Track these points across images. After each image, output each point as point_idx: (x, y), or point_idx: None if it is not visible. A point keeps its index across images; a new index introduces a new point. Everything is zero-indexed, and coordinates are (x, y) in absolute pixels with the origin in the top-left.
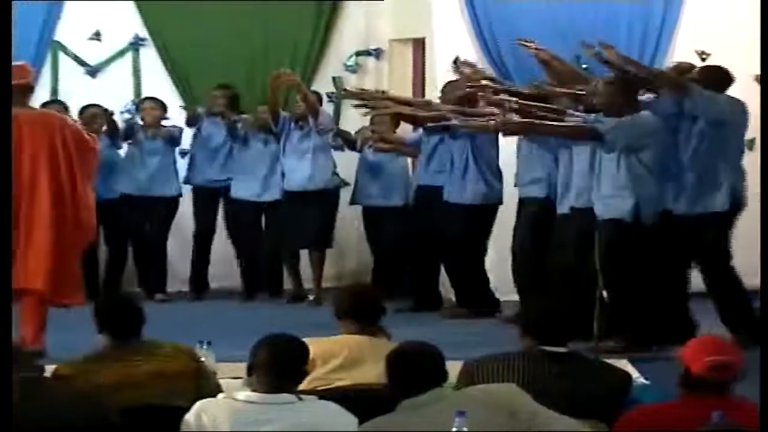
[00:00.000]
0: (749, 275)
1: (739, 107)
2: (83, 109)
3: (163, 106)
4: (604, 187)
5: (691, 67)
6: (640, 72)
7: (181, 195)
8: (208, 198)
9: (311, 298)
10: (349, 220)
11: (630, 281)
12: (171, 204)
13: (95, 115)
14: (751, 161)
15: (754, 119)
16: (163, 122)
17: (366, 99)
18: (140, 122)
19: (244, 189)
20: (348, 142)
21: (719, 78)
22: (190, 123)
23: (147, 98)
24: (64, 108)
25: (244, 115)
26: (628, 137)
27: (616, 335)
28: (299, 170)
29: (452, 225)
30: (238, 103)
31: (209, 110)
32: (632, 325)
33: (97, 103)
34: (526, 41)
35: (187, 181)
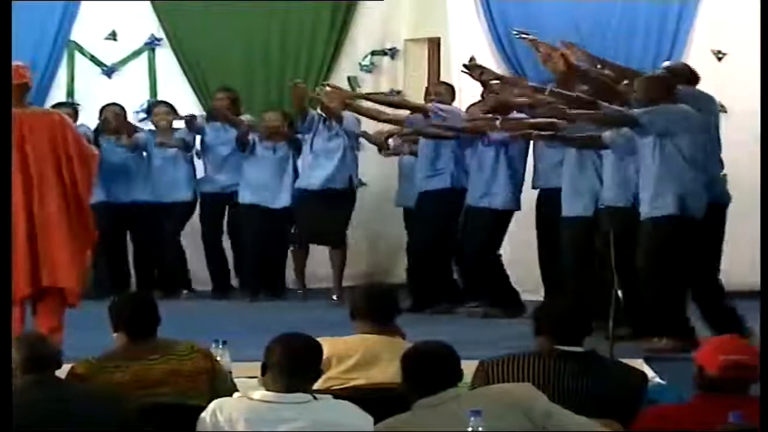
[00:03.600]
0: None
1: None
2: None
3: (174, 111)
4: (646, 185)
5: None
6: (612, 71)
7: (197, 199)
8: (216, 204)
9: (335, 297)
10: (365, 221)
11: (674, 278)
12: (185, 209)
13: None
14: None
15: None
16: (175, 124)
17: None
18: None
19: (253, 195)
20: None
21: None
22: (189, 127)
23: (158, 102)
24: (74, 110)
25: (250, 117)
26: (664, 120)
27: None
28: (324, 168)
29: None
30: (239, 106)
31: (209, 115)
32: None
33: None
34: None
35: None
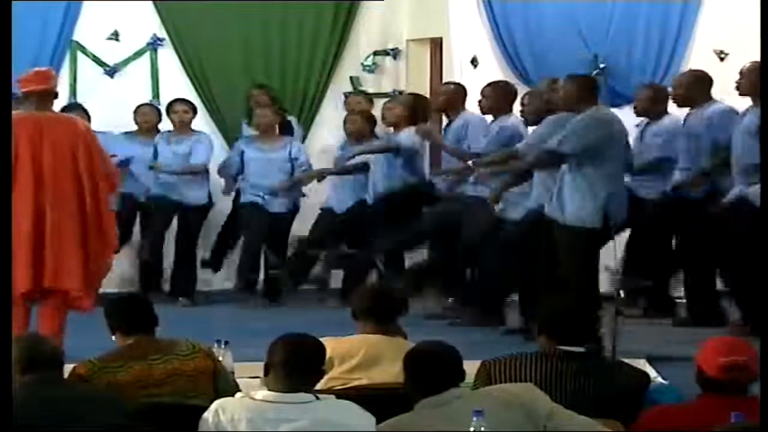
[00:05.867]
0: None
1: None
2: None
3: (193, 108)
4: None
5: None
6: None
7: (211, 203)
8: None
9: None
10: None
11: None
12: (201, 211)
13: None
14: None
15: None
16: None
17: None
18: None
19: (248, 195)
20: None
21: None
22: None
23: (177, 99)
24: (85, 112)
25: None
26: (582, 142)
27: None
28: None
29: None
30: (279, 101)
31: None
32: None
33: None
34: None
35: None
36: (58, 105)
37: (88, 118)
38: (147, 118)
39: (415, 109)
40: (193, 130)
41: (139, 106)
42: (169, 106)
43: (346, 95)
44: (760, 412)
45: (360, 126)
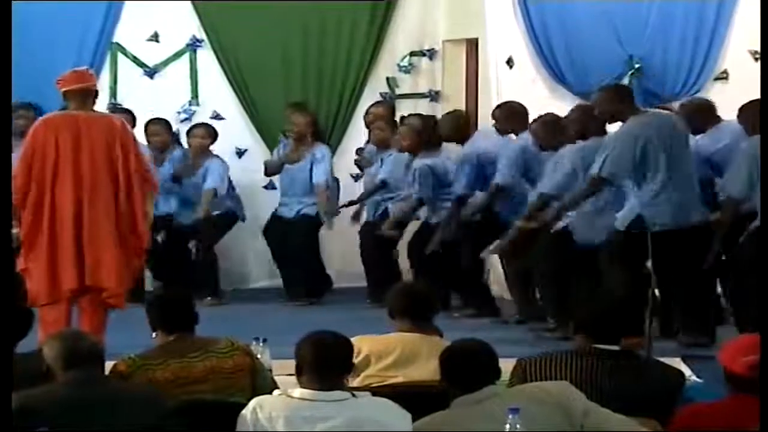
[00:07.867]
0: None
1: None
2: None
3: (211, 134)
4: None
5: None
6: None
7: (237, 216)
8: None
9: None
10: None
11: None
12: (226, 222)
13: None
14: None
15: None
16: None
17: None
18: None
19: (282, 208)
20: None
21: None
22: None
23: (197, 125)
24: (131, 115)
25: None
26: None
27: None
28: None
29: None
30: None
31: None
32: None
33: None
34: None
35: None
36: (98, 106)
37: (133, 121)
38: (156, 138)
39: (421, 135)
40: (209, 155)
41: (147, 123)
42: (190, 131)
43: (383, 95)
44: (760, 412)
45: (387, 134)
